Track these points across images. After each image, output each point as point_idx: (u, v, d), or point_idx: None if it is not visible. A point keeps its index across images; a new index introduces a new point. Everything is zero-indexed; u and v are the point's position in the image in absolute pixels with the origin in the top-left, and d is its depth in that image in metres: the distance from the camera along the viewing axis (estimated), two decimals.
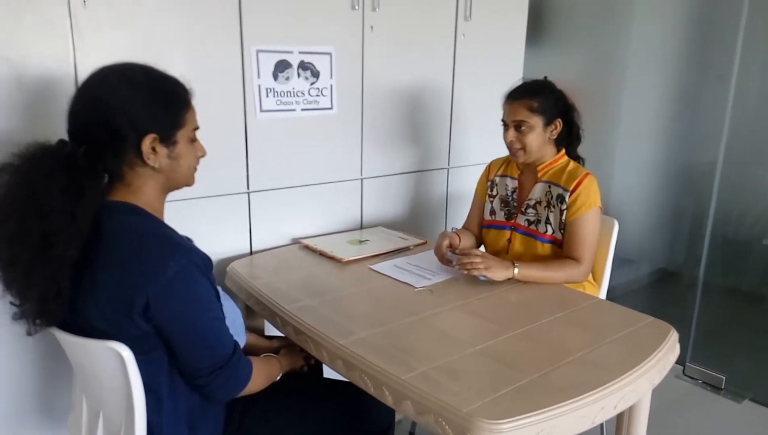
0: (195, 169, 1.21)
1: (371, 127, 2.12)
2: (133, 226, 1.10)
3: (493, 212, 1.88)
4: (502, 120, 1.75)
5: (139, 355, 1.08)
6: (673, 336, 1.31)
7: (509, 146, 1.74)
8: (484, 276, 1.57)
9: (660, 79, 2.67)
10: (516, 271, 1.60)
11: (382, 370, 1.14)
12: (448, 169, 2.43)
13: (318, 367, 1.50)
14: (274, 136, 1.89)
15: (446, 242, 1.73)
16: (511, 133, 1.72)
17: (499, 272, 1.57)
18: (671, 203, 2.74)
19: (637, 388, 1.14)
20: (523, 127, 1.70)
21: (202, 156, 1.22)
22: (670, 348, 1.27)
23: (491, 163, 1.97)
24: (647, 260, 3.00)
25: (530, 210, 1.77)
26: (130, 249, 1.06)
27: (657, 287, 2.91)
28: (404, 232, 2.11)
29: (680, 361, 2.53)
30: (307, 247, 1.91)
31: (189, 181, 1.21)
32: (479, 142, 2.48)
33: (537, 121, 1.70)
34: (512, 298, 1.53)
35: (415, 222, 2.35)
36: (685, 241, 2.72)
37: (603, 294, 1.85)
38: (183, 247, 1.09)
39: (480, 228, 1.93)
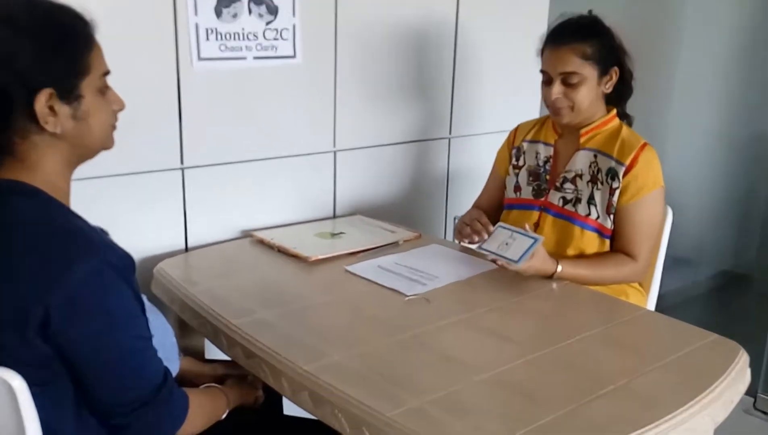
0: (113, 127, 1.19)
1: (347, 83, 2.11)
2: (28, 213, 1.08)
3: (518, 188, 1.90)
4: (543, 71, 1.76)
5: (36, 386, 1.06)
6: (743, 359, 1.33)
7: (553, 104, 1.75)
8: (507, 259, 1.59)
9: (729, 24, 2.68)
10: (559, 268, 1.63)
11: (362, 404, 1.14)
12: (449, 140, 2.43)
13: (276, 401, 1.50)
14: (217, 93, 1.87)
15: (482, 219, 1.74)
16: (557, 87, 1.73)
17: (539, 271, 1.63)
18: (740, 186, 2.77)
19: (695, 427, 1.15)
20: (573, 80, 1.71)
21: (120, 109, 1.20)
22: (739, 374, 1.29)
23: (518, 126, 1.99)
24: (709, 260, 3.04)
25: (568, 185, 1.79)
26: (23, 244, 1.04)
27: (721, 295, 2.95)
28: (391, 222, 2.11)
29: (751, 391, 2.57)
30: (261, 242, 1.90)
31: (106, 144, 1.19)
32: (492, 104, 2.48)
33: (591, 72, 1.71)
34: (534, 309, 1.54)
35: (405, 209, 2.34)
36: (756, 236, 2.75)
37: (651, 303, 1.88)
38: (95, 242, 1.07)
39: (497, 210, 1.95)
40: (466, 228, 1.77)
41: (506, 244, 1.63)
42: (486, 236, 1.70)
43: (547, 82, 1.75)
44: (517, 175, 1.91)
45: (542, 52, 1.77)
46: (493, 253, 1.63)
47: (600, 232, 1.74)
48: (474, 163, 2.44)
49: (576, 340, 1.38)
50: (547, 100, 1.77)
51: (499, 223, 1.71)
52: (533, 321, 1.51)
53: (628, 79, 1.81)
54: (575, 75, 1.70)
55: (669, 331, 1.46)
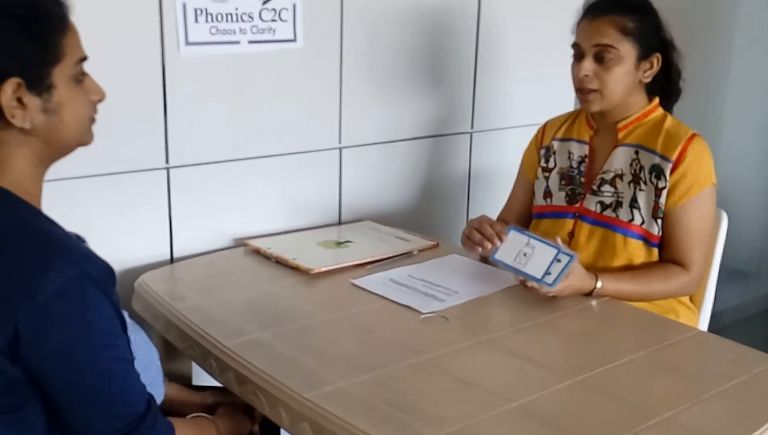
0: (92, 120, 1.20)
1: (355, 71, 2.12)
2: None
3: (548, 194, 1.90)
4: (575, 44, 1.76)
5: (4, 413, 1.07)
6: None
7: (580, 83, 1.75)
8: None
9: None
10: (599, 284, 1.63)
11: None
12: (471, 135, 2.43)
13: (273, 433, 1.50)
14: (208, 82, 1.88)
15: (494, 227, 1.74)
16: (588, 63, 1.72)
17: (577, 290, 1.63)
18: None
19: None
20: (607, 57, 1.70)
21: (99, 100, 1.21)
22: None
23: (547, 123, 1.99)
24: None
25: (606, 187, 1.78)
26: None
27: None
28: (404, 229, 2.11)
29: None
30: (257, 252, 1.91)
31: (83, 139, 1.20)
32: (521, 94, 2.48)
33: (629, 51, 1.71)
34: (568, 329, 1.54)
35: (420, 214, 2.35)
36: None
37: (704, 323, 1.87)
38: (71, 250, 1.08)
39: (527, 221, 1.95)
40: (475, 233, 1.75)
41: (524, 254, 1.63)
42: (499, 244, 1.69)
43: (579, 58, 1.75)
44: (547, 178, 1.91)
45: (577, 26, 1.77)
46: (509, 265, 1.63)
47: (646, 239, 1.74)
48: (499, 161, 2.44)
49: (616, 366, 1.37)
50: (575, 80, 1.76)
51: (512, 227, 1.71)
52: (567, 343, 1.50)
53: (675, 79, 1.81)
54: (611, 50, 1.70)
55: (724, 354, 1.45)
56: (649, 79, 1.77)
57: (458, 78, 2.35)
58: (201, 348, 1.46)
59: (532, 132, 2.02)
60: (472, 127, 2.42)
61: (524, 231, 1.67)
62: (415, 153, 2.31)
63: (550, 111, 2.03)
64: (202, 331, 1.48)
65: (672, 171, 1.70)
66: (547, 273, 1.57)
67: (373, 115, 2.19)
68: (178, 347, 1.55)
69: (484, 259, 1.80)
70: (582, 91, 1.75)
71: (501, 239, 1.69)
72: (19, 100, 1.10)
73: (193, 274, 1.82)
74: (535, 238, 1.63)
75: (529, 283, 1.59)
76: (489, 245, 1.71)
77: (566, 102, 2.36)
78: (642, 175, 1.74)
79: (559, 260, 1.58)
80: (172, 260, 1.92)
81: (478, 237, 1.74)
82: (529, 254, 1.62)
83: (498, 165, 2.44)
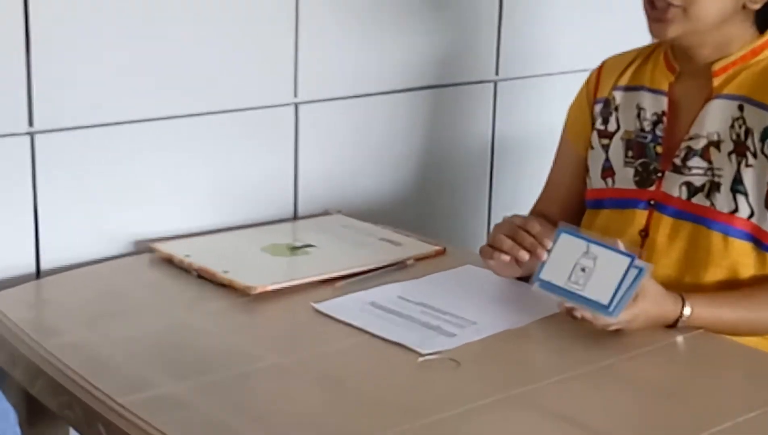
0: None
1: None
2: None
3: (609, 172, 1.91)
4: None
5: None
6: None
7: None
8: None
9: None
10: (687, 310, 1.63)
11: None
12: (495, 84, 2.45)
13: None
14: (96, 10, 1.88)
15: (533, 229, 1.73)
16: None
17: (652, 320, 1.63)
18: None
19: None
20: None
21: None
22: None
23: (604, 64, 2.01)
24: None
25: (696, 160, 1.80)
26: None
27: None
28: (393, 226, 2.12)
29: None
30: (170, 262, 1.91)
31: None
32: (567, 28, 2.51)
33: None
34: (639, 379, 1.54)
35: (417, 204, 2.37)
36: None
37: None
38: None
39: (577, 213, 1.96)
40: (505, 241, 1.74)
41: (582, 269, 1.61)
42: (544, 256, 1.68)
43: None
44: (606, 148, 1.92)
45: None
46: (561, 289, 1.61)
47: (757, 239, 1.75)
48: (537, 124, 2.47)
49: (714, 433, 1.37)
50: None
51: (562, 226, 1.69)
52: (639, 401, 1.51)
53: None
54: None
55: None
56: (758, 5, 1.78)
57: (474, 7, 2.37)
58: (84, 407, 1.45)
59: (583, 80, 2.03)
60: (497, 74, 2.44)
61: (578, 232, 1.67)
62: (409, 112, 2.33)
63: (609, 51, 2.03)
64: (86, 382, 1.47)
65: None
66: (617, 297, 1.56)
67: (346, 56, 2.21)
68: (48, 406, 1.55)
69: (519, 278, 1.79)
70: (655, 6, 1.75)
71: (546, 248, 1.68)
72: None
73: (71, 294, 1.82)
74: (597, 244, 1.62)
75: (579, 312, 1.59)
76: (527, 257, 1.70)
77: (633, 38, 2.36)
78: (750, 142, 1.76)
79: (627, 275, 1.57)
80: (38, 274, 1.92)
81: (509, 244, 1.72)
82: (589, 269, 1.60)
83: (535, 130, 2.46)
